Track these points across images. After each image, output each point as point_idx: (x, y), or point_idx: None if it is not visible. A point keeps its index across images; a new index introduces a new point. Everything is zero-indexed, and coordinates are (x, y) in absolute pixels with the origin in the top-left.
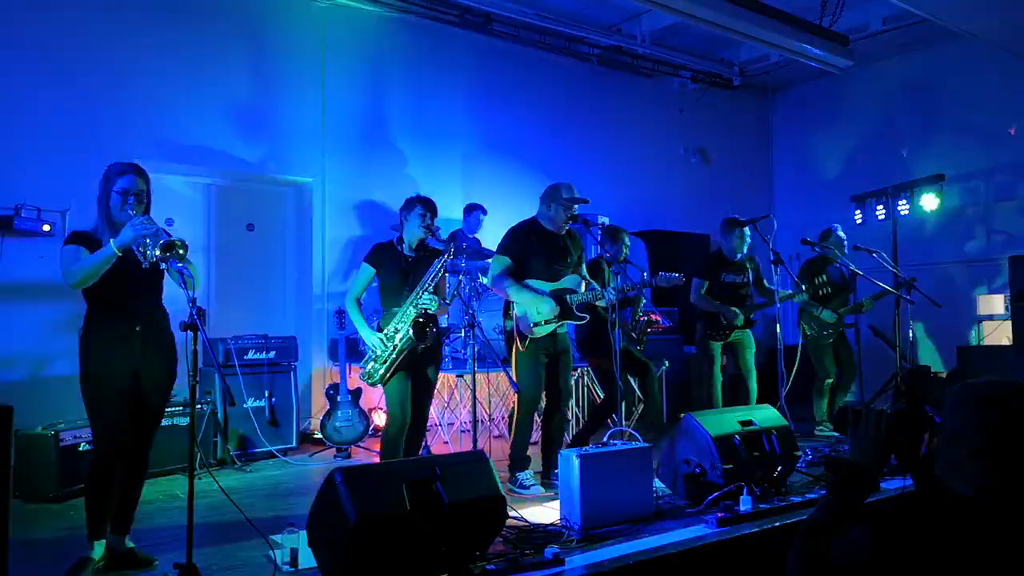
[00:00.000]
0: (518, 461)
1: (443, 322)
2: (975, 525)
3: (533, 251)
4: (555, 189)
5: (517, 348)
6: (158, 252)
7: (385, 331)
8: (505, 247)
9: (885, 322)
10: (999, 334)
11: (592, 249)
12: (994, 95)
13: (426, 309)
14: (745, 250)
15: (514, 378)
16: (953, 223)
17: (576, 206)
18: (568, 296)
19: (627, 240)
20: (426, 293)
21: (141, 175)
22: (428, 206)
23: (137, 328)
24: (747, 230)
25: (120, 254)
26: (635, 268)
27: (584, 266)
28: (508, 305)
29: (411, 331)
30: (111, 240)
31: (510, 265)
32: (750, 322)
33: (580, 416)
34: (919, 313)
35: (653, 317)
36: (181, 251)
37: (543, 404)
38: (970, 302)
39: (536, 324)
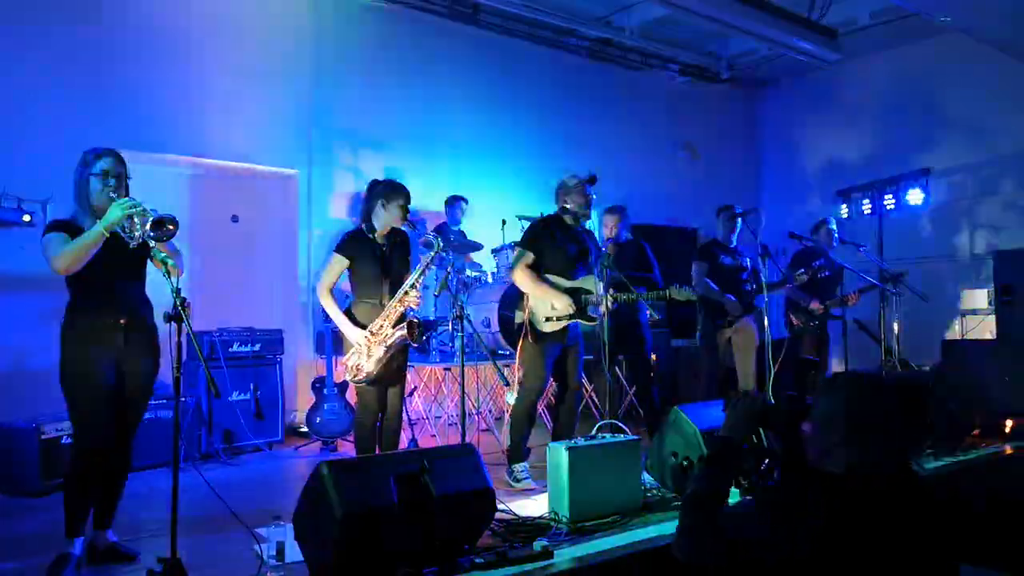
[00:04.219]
0: (515, 453)
1: (430, 315)
2: (847, 498)
3: (553, 245)
4: (562, 183)
5: (526, 340)
6: (149, 230)
7: (370, 327)
8: (527, 240)
9: (870, 315)
10: (982, 328)
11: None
12: (981, 90)
13: (410, 305)
14: (734, 234)
15: (518, 368)
16: (938, 218)
17: (590, 188)
18: (583, 296)
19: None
20: (413, 289)
21: (119, 158)
22: (408, 197)
23: (122, 320)
24: (739, 220)
25: (108, 235)
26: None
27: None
28: (523, 296)
29: (405, 332)
30: (98, 221)
31: (531, 258)
32: (749, 307)
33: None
34: (903, 306)
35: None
36: (171, 227)
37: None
38: (954, 296)
39: (548, 319)
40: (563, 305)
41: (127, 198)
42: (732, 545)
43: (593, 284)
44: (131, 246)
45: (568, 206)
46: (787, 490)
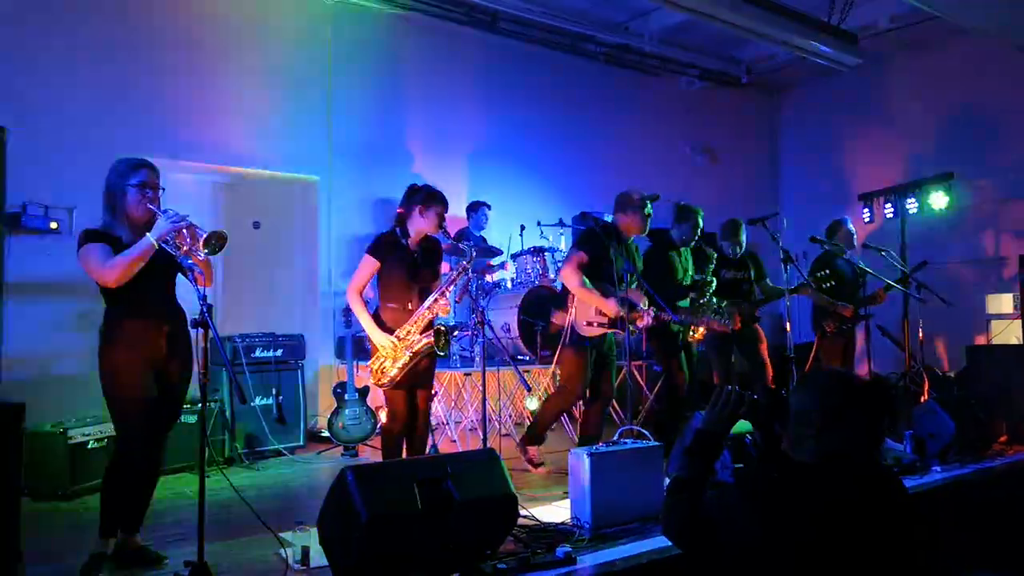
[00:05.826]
0: (534, 437)
1: (451, 320)
2: (817, 484)
3: (606, 257)
4: (626, 195)
5: (566, 343)
6: (202, 246)
7: (397, 332)
8: (584, 244)
9: (893, 321)
10: (1008, 333)
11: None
12: (1003, 93)
13: (438, 315)
14: (742, 248)
15: (558, 371)
16: (962, 221)
17: (650, 204)
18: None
19: (699, 221)
20: (443, 297)
21: (154, 169)
22: (446, 205)
23: (165, 327)
24: (743, 229)
25: (158, 247)
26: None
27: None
28: (565, 298)
29: (433, 340)
30: (147, 233)
31: (586, 262)
32: (754, 317)
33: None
34: (927, 312)
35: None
36: (220, 240)
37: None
38: (979, 301)
39: (589, 324)
40: (612, 309)
41: (174, 211)
42: (727, 545)
43: (638, 300)
44: (177, 257)
45: (627, 218)
46: (767, 479)
